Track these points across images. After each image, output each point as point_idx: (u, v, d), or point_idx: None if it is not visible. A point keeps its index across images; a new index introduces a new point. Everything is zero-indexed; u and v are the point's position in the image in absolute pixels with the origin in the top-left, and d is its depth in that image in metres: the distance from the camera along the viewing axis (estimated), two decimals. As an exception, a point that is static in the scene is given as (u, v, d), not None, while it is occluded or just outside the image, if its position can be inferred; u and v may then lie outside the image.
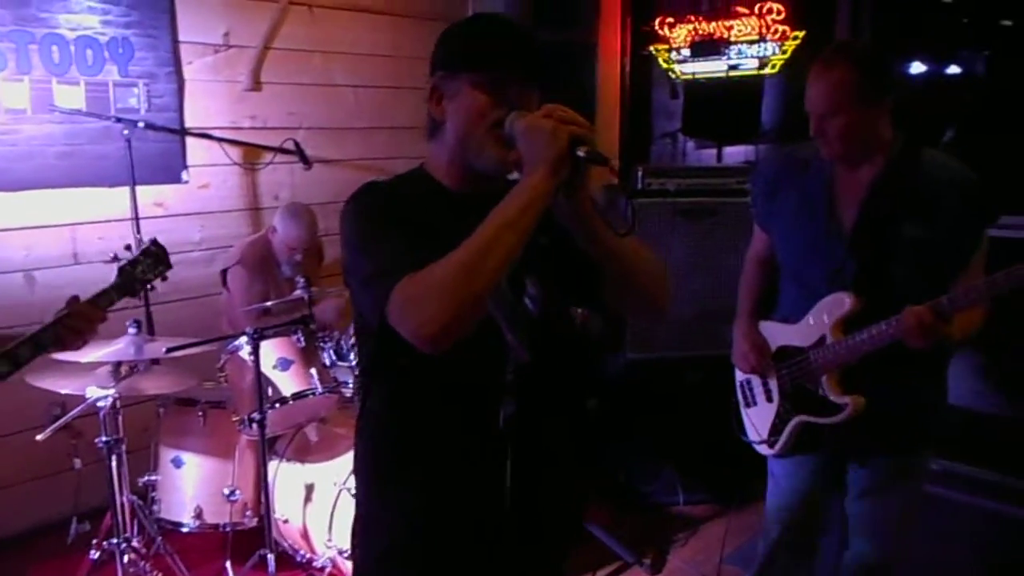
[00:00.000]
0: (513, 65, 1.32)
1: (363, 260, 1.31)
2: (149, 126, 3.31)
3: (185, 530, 2.88)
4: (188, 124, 3.57)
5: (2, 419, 3.10)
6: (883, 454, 2.05)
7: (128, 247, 2.18)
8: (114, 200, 3.36)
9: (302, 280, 2.94)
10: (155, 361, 2.86)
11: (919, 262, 1.88)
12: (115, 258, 2.17)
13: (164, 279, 2.20)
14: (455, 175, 1.39)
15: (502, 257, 1.19)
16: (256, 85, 3.80)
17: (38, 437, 2.45)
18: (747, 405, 2.28)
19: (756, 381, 2.23)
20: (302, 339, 2.80)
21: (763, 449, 2.22)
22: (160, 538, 2.80)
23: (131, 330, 2.56)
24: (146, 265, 2.14)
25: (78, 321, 1.88)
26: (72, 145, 3.23)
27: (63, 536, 3.11)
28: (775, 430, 2.17)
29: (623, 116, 4.46)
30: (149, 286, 2.22)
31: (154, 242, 2.19)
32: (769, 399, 2.19)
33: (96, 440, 2.53)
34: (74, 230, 3.32)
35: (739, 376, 2.29)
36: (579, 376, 1.65)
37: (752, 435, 2.25)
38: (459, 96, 1.33)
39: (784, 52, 3.98)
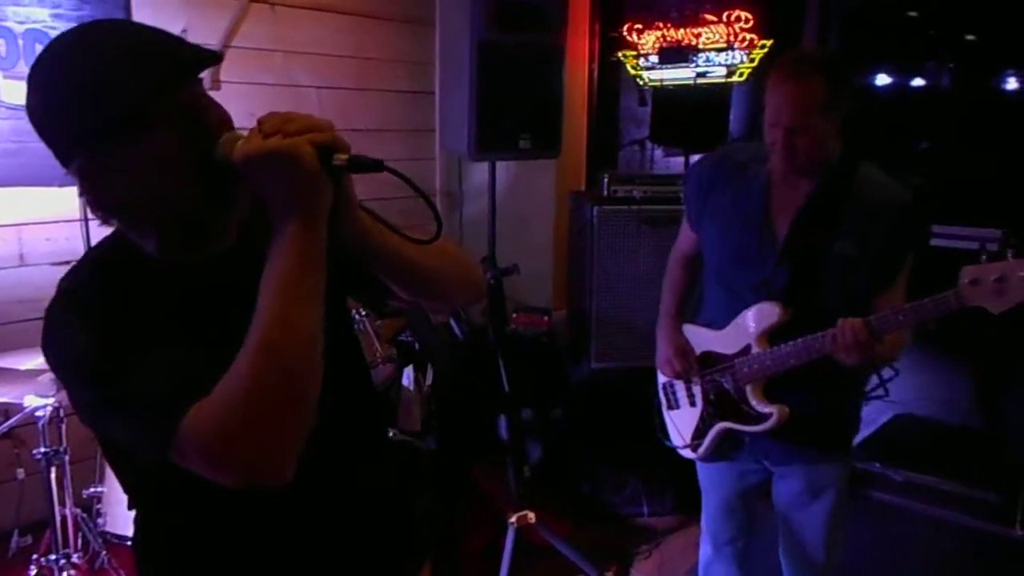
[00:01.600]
0: (170, 79, 0.96)
1: (114, 404, 0.93)
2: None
3: (131, 544, 2.76)
4: (143, 123, 3.46)
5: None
6: (803, 462, 2.04)
7: None
8: (63, 200, 3.23)
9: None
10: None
11: (846, 278, 1.87)
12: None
13: None
14: (170, 247, 1.04)
15: (307, 337, 0.91)
16: (215, 84, 3.69)
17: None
18: (669, 407, 2.26)
19: (679, 384, 2.21)
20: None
21: (686, 453, 2.21)
22: (104, 552, 2.69)
23: (75, 335, 2.45)
24: None
25: None
26: (19, 142, 3.11)
27: (3, 550, 3.00)
28: (698, 434, 2.15)
29: (590, 122, 4.43)
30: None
31: None
32: (692, 403, 2.18)
33: (34, 452, 2.42)
34: (20, 230, 3.20)
35: (662, 378, 2.27)
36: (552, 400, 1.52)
37: (675, 439, 2.24)
38: (125, 162, 0.96)
39: (752, 60, 3.97)
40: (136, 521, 1.24)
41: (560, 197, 4.05)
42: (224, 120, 1.01)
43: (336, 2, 4.09)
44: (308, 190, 0.91)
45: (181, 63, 0.98)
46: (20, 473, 2.89)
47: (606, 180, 3.38)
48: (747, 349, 1.98)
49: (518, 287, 3.87)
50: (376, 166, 0.94)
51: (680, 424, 2.21)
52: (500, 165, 3.62)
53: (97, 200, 1.01)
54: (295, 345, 0.90)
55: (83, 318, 0.98)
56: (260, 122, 0.93)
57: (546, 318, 4.02)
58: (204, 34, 3.63)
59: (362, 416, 1.25)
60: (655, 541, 3.27)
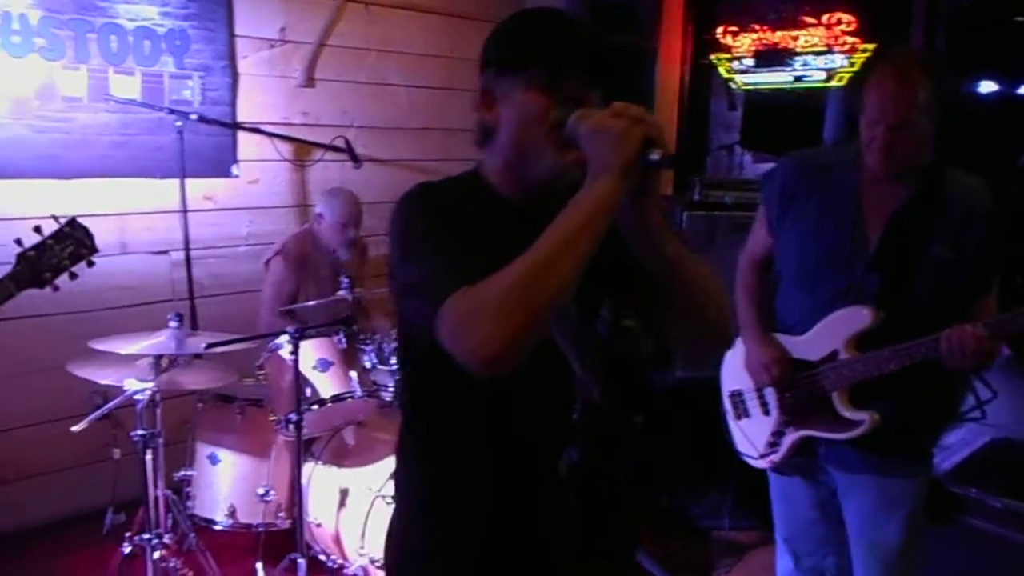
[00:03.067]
0: (573, 61, 1.20)
1: (412, 266, 1.20)
2: (202, 119, 3.30)
3: (218, 528, 2.84)
4: (241, 118, 3.56)
5: (44, 406, 3.10)
6: (879, 473, 1.96)
7: (37, 228, 1.82)
8: (164, 192, 3.35)
9: (346, 280, 2.88)
10: (196, 355, 2.83)
11: (943, 283, 1.84)
12: (19, 242, 1.84)
13: (90, 264, 1.90)
14: (511, 183, 1.28)
15: (567, 272, 1.07)
16: (310, 81, 3.77)
17: (73, 428, 2.42)
18: (738, 417, 2.20)
19: (750, 393, 2.15)
20: (343, 340, 2.75)
21: (758, 463, 2.16)
22: (192, 534, 2.76)
23: (172, 323, 2.53)
24: (58, 250, 1.84)
25: None
26: (126, 135, 3.23)
27: (99, 526, 3.12)
28: (772, 443, 2.09)
29: (680, 125, 4.35)
30: (68, 274, 1.88)
31: (71, 222, 1.88)
32: (766, 412, 2.12)
33: (131, 434, 2.50)
34: (123, 220, 3.32)
35: (729, 386, 2.22)
36: (635, 407, 1.55)
37: (745, 448, 2.18)
38: (513, 97, 1.22)
39: (852, 65, 3.83)
40: (403, 415, 1.41)
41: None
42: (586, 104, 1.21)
43: (428, 2, 4.13)
44: (620, 164, 1.09)
45: (591, 63, 1.21)
46: (116, 453, 3.00)
47: (697, 184, 3.31)
48: (834, 355, 1.92)
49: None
50: (670, 162, 1.13)
51: (751, 434, 2.16)
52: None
53: (479, 112, 1.26)
54: (550, 277, 1.06)
55: (424, 203, 1.26)
56: (614, 104, 1.13)
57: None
58: (301, 33, 3.71)
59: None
60: (737, 555, 3.19)
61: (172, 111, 3.20)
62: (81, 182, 3.16)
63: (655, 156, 1.09)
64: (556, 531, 1.29)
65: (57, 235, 1.85)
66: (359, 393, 2.71)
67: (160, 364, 2.51)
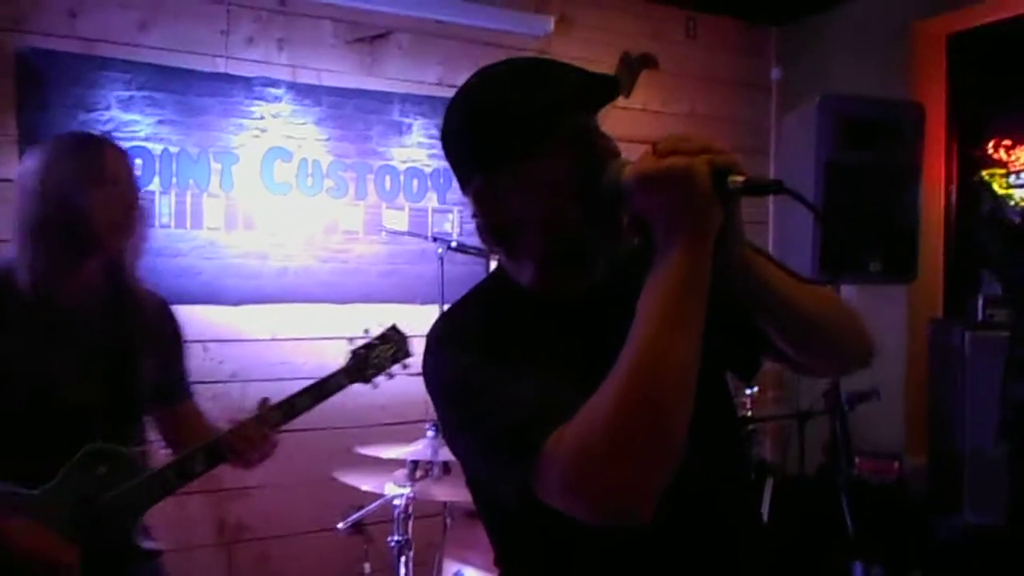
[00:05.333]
0: (568, 106, 0.99)
1: (478, 427, 0.96)
2: (461, 245, 3.52)
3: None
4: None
5: (303, 516, 3.27)
6: None
7: (366, 331, 2.01)
8: (422, 317, 3.53)
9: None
10: (447, 471, 2.89)
11: None
12: (350, 341, 2.02)
13: (404, 367, 2.02)
14: (548, 277, 1.06)
15: (683, 360, 0.85)
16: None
17: (340, 525, 2.52)
18: None
19: None
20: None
21: None
22: (438, 654, 2.72)
23: (429, 433, 2.61)
24: (382, 351, 1.99)
25: (235, 442, 1.74)
26: (393, 264, 3.52)
27: (348, 640, 3.17)
28: None
29: (947, 248, 4.00)
30: (386, 374, 2.02)
31: (393, 327, 2.04)
32: None
33: (388, 539, 2.55)
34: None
35: None
36: (913, 561, 1.29)
37: None
38: (522, 187, 1.00)
39: None
40: None
41: (915, 326, 3.66)
42: (614, 152, 1.01)
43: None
44: (698, 211, 0.88)
45: (578, 86, 1.01)
46: (367, 567, 3.07)
47: (981, 302, 2.99)
48: None
49: (861, 428, 3.48)
50: (775, 187, 0.89)
51: None
52: (845, 290, 3.37)
53: (487, 222, 1.06)
54: (667, 372, 0.85)
55: (458, 341, 1.03)
56: (655, 144, 0.91)
57: (896, 464, 3.56)
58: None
59: (729, 463, 1.13)
60: None
61: (436, 239, 3.45)
62: (355, 306, 3.45)
63: (735, 184, 0.87)
64: None
65: (382, 337, 2.01)
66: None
67: (415, 473, 2.58)
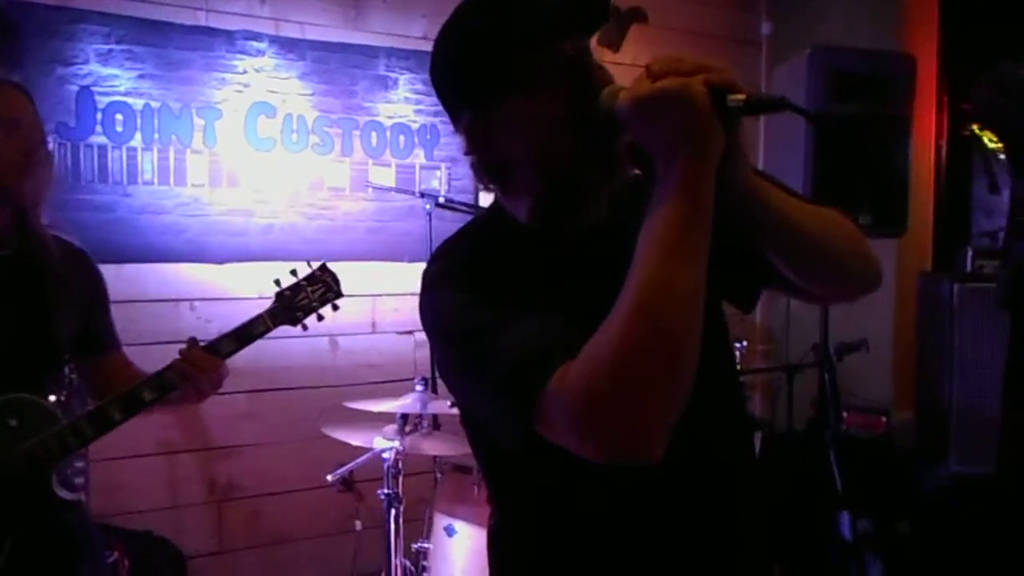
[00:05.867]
0: (556, 36, 0.94)
1: (477, 366, 0.92)
2: (448, 201, 3.49)
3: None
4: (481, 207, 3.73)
5: (294, 473, 3.27)
6: None
7: (293, 272, 1.94)
8: (411, 274, 3.54)
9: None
10: (436, 427, 2.89)
11: None
12: (277, 282, 1.95)
13: (335, 308, 1.97)
14: (546, 214, 1.02)
15: (689, 289, 0.82)
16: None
17: (329, 477, 2.52)
18: None
19: None
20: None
21: None
22: (428, 608, 2.74)
23: (418, 387, 2.61)
24: (310, 291, 1.92)
25: (187, 367, 1.69)
26: (380, 221, 3.49)
27: (340, 597, 3.20)
28: None
29: (937, 209, 3.99)
30: (316, 316, 1.96)
31: (322, 266, 1.98)
32: None
33: (378, 492, 2.55)
34: (374, 301, 3.53)
35: None
36: (899, 511, 1.27)
37: None
38: (513, 120, 0.97)
39: None
40: (491, 524, 1.18)
41: (904, 280, 3.66)
42: (608, 81, 0.97)
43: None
44: (699, 133, 0.83)
45: (566, 14, 0.95)
46: (358, 525, 3.08)
47: (970, 254, 2.99)
48: None
49: (849, 382, 3.50)
50: (778, 104, 0.84)
51: None
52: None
53: (480, 159, 1.02)
54: (673, 303, 0.81)
55: (453, 279, 0.99)
56: (648, 66, 0.86)
57: (884, 419, 3.58)
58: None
59: (727, 400, 1.11)
60: None
61: (423, 195, 3.42)
62: (341, 264, 3.40)
63: (733, 103, 0.83)
64: None
65: (310, 278, 1.94)
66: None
67: (405, 426, 2.57)
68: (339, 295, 1.97)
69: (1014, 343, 2.29)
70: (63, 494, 1.65)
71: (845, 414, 3.53)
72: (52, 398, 1.67)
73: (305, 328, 1.93)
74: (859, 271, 1.07)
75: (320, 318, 1.96)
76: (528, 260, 0.99)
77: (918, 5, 3.82)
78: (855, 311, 3.73)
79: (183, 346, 1.73)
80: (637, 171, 0.98)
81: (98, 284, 1.84)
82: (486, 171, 1.04)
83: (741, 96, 0.84)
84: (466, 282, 0.97)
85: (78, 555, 1.72)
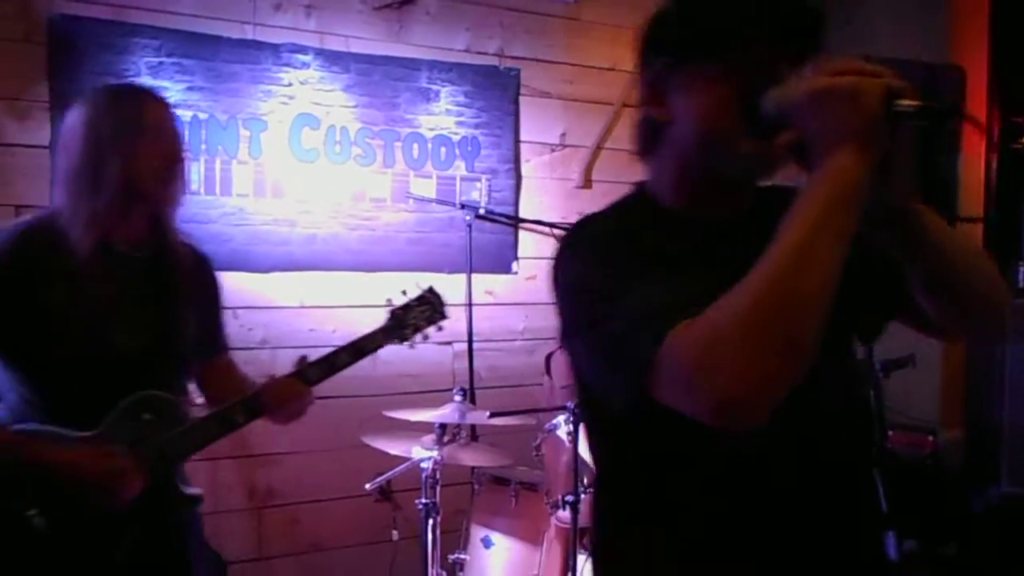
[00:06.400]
0: (765, 33, 0.99)
1: (601, 319, 0.96)
2: (489, 213, 3.51)
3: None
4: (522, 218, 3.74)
5: (332, 482, 3.29)
6: None
7: (404, 292, 2.03)
8: (451, 285, 3.54)
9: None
10: (474, 438, 2.90)
11: None
12: (389, 302, 2.03)
13: (439, 328, 2.05)
14: (689, 192, 1.07)
15: (822, 278, 0.84)
16: (587, 183, 3.90)
17: (368, 486, 2.53)
18: None
19: None
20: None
21: None
22: (465, 619, 2.73)
23: (457, 397, 2.61)
24: (419, 312, 2.00)
25: (273, 395, 1.78)
26: (421, 232, 3.51)
27: (376, 605, 3.20)
28: None
29: (987, 227, 3.89)
30: (422, 336, 2.03)
31: (430, 289, 2.05)
32: None
33: (416, 502, 2.56)
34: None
35: None
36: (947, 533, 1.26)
37: None
38: (693, 86, 1.02)
39: None
40: (596, 513, 1.23)
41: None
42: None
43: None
44: (864, 132, 0.86)
45: (789, 28, 1.00)
46: (395, 535, 3.09)
47: (1021, 270, 2.91)
48: None
49: (895, 399, 3.42)
50: (951, 112, 0.88)
51: None
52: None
53: (647, 113, 1.07)
54: (810, 273, 0.84)
55: (590, 244, 1.06)
56: (826, 62, 0.91)
57: (930, 438, 3.50)
58: (580, 137, 3.88)
59: (845, 405, 1.11)
60: None
61: (464, 206, 3.44)
62: (382, 275, 3.45)
63: (902, 108, 0.84)
64: None
65: (420, 298, 2.02)
66: (637, 480, 2.58)
67: (443, 437, 2.58)
68: (444, 316, 2.04)
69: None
70: (187, 490, 1.72)
71: (890, 433, 3.46)
72: (181, 398, 1.76)
73: (412, 346, 2.01)
74: (994, 311, 1.07)
75: (425, 337, 2.03)
76: (665, 238, 1.04)
77: (968, 16, 3.75)
78: (901, 326, 3.66)
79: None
80: (785, 173, 1.02)
81: (217, 288, 1.92)
82: (647, 129, 1.09)
83: (914, 103, 0.86)
84: (603, 247, 1.03)
85: (194, 550, 1.79)
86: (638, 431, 1.02)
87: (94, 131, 1.64)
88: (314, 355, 2.10)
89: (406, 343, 1.99)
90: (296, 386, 1.81)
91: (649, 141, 1.09)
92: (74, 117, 1.69)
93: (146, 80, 3.01)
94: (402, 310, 1.98)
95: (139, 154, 1.63)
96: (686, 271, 0.98)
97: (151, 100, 1.73)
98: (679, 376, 0.86)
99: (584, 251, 1.05)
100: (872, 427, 1.16)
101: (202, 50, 3.10)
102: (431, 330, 2.02)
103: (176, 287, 1.74)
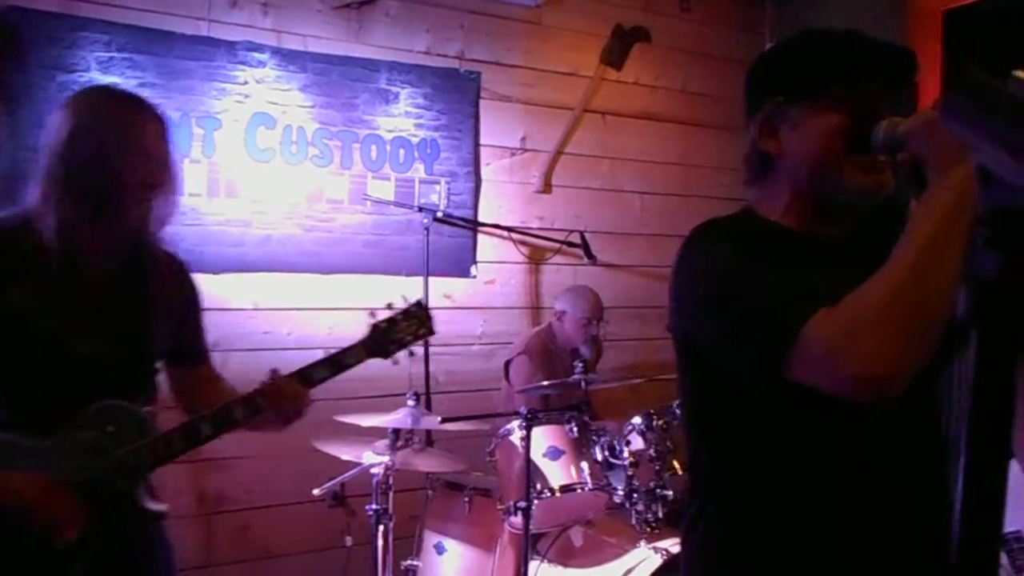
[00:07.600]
0: (871, 75, 1.13)
1: (740, 300, 1.08)
2: (447, 216, 3.48)
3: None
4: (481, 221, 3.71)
5: (285, 487, 3.24)
6: None
7: (389, 305, 1.97)
8: (408, 289, 3.50)
9: (579, 365, 2.82)
10: (430, 443, 2.87)
11: None
12: (372, 314, 1.97)
13: (426, 344, 1.99)
14: (801, 214, 1.19)
15: (951, 270, 0.96)
16: (546, 187, 3.89)
17: (315, 491, 2.49)
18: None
19: None
20: (575, 430, 2.65)
21: None
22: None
23: (410, 402, 2.58)
24: (404, 326, 1.93)
25: (269, 399, 1.71)
26: (379, 235, 3.47)
27: (327, 611, 3.15)
28: None
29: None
30: (408, 351, 1.95)
31: (418, 303, 1.98)
32: None
33: (366, 508, 2.52)
34: (371, 314, 3.50)
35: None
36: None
37: None
38: (807, 121, 1.14)
39: None
40: (689, 514, 1.28)
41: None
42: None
43: (663, 111, 4.18)
44: None
45: (893, 74, 1.15)
46: (348, 540, 3.04)
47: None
48: None
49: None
50: None
51: None
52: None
53: (760, 148, 1.18)
54: (940, 269, 0.95)
55: (721, 236, 1.18)
56: (935, 101, 1.03)
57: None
58: (540, 142, 3.87)
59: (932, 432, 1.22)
60: None
61: (422, 209, 3.41)
62: (338, 277, 3.41)
63: None
64: None
65: (405, 312, 1.94)
66: (590, 485, 2.58)
67: (397, 441, 2.55)
68: (431, 332, 1.96)
69: (980, 369, 2.23)
70: (149, 504, 1.64)
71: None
72: (146, 408, 1.67)
73: (396, 362, 1.92)
74: None
75: (411, 353, 1.97)
76: (776, 248, 1.14)
77: (922, 28, 3.82)
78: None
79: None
80: (896, 195, 1.13)
81: (196, 296, 1.85)
82: (759, 160, 1.20)
83: None
84: (737, 240, 1.15)
85: (156, 567, 1.71)
86: (755, 404, 1.11)
87: (80, 141, 1.56)
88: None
89: (388, 358, 1.90)
90: (295, 387, 1.75)
91: (759, 171, 1.21)
92: (64, 116, 1.61)
93: (96, 76, 2.94)
94: (386, 324, 1.91)
95: (120, 175, 1.57)
96: (807, 275, 1.07)
97: (150, 120, 1.64)
98: (822, 353, 0.97)
99: (718, 240, 1.16)
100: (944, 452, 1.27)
101: (154, 46, 3.04)
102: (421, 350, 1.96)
103: (147, 294, 1.68)
